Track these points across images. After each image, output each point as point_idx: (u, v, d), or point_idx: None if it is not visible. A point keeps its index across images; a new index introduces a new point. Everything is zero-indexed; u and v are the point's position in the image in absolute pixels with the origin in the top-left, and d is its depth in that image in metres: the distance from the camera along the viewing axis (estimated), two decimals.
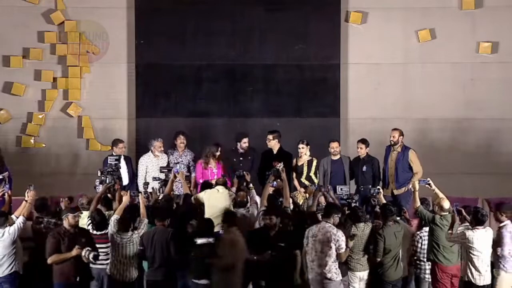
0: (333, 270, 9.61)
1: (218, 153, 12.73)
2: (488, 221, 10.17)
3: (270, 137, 12.83)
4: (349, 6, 14.58)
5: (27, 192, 10.22)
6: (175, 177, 11.33)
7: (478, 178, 14.16)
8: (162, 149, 13.11)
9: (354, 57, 14.62)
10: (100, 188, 11.01)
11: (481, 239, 9.58)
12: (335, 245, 9.59)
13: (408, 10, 14.56)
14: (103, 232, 10.12)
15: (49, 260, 9.57)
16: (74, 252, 9.52)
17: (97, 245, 9.97)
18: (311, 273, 9.65)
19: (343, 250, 9.66)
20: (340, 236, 9.63)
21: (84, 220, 10.31)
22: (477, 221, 9.73)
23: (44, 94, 14.57)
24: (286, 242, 10.05)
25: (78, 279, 9.63)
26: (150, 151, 13.16)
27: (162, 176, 11.92)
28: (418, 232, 10.42)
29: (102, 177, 11.16)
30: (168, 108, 14.67)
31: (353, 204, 10.97)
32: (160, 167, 12.31)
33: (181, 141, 13.17)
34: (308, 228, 9.73)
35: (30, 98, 14.56)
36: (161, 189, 11.62)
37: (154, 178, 12.06)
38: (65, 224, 9.70)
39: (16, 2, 14.44)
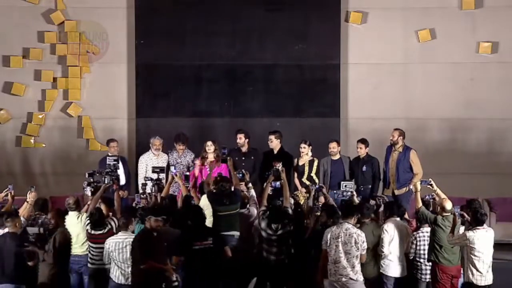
0: (358, 271, 9.60)
1: (211, 151, 12.59)
2: (488, 221, 10.16)
3: (272, 137, 12.75)
4: (349, 6, 14.59)
5: (29, 193, 10.24)
6: (172, 178, 11.29)
7: (478, 178, 14.17)
8: (160, 147, 13.04)
9: (354, 57, 14.63)
10: (87, 190, 10.98)
11: (482, 239, 9.56)
12: (360, 246, 9.57)
13: (408, 10, 14.57)
14: (101, 232, 10.11)
15: (144, 266, 9.44)
16: (168, 269, 9.45)
17: (95, 245, 10.01)
18: (333, 276, 9.54)
19: (365, 252, 9.67)
20: (364, 237, 9.64)
21: (72, 220, 10.32)
22: (477, 221, 9.72)
23: (44, 94, 14.58)
24: (286, 241, 10.09)
25: (164, 286, 9.58)
26: (150, 150, 13.15)
27: (155, 176, 11.83)
28: (414, 233, 10.42)
29: (90, 179, 11.11)
30: (168, 108, 14.67)
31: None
32: (152, 167, 12.20)
33: (180, 147, 13.06)
34: (327, 230, 9.66)
35: (30, 98, 14.56)
36: (153, 188, 11.48)
37: (146, 178, 12.02)
38: (147, 225, 9.67)
39: (16, 2, 14.45)
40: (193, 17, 14.60)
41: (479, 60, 14.54)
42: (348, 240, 9.51)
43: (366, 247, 9.66)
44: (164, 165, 12.74)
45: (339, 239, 9.52)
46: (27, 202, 10.29)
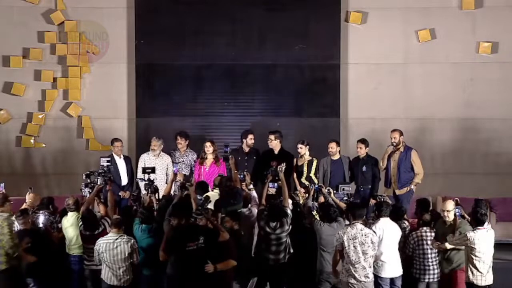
0: (372, 270, 9.63)
1: (209, 152, 12.57)
2: (488, 221, 10.15)
3: (272, 137, 12.75)
4: (349, 6, 14.59)
5: (27, 195, 10.25)
6: (174, 176, 11.28)
7: (478, 178, 14.18)
8: (157, 148, 12.99)
9: (354, 57, 14.63)
10: (85, 191, 10.99)
11: (482, 239, 9.57)
12: (376, 245, 9.59)
13: (408, 10, 14.57)
14: (94, 232, 10.11)
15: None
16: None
17: (89, 246, 10.02)
18: (351, 277, 9.48)
19: (376, 251, 9.69)
20: (377, 237, 9.68)
21: (72, 220, 10.34)
22: (477, 221, 9.72)
23: (44, 94, 14.57)
24: (285, 241, 10.09)
25: None
26: (150, 150, 13.12)
27: (146, 176, 11.79)
28: (413, 232, 10.41)
29: (88, 180, 11.12)
30: (168, 108, 14.67)
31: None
32: (142, 167, 12.17)
33: (178, 141, 13.07)
34: (342, 231, 9.60)
35: (30, 98, 14.56)
36: (149, 189, 11.44)
37: (139, 179, 11.98)
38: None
39: (16, 2, 14.45)
40: (193, 17, 14.60)
41: (479, 60, 14.54)
42: (364, 241, 9.48)
43: (377, 247, 9.67)
44: (163, 165, 12.75)
45: (356, 240, 9.49)
46: (26, 203, 10.28)
